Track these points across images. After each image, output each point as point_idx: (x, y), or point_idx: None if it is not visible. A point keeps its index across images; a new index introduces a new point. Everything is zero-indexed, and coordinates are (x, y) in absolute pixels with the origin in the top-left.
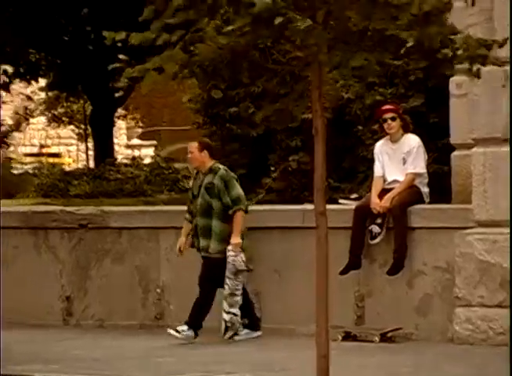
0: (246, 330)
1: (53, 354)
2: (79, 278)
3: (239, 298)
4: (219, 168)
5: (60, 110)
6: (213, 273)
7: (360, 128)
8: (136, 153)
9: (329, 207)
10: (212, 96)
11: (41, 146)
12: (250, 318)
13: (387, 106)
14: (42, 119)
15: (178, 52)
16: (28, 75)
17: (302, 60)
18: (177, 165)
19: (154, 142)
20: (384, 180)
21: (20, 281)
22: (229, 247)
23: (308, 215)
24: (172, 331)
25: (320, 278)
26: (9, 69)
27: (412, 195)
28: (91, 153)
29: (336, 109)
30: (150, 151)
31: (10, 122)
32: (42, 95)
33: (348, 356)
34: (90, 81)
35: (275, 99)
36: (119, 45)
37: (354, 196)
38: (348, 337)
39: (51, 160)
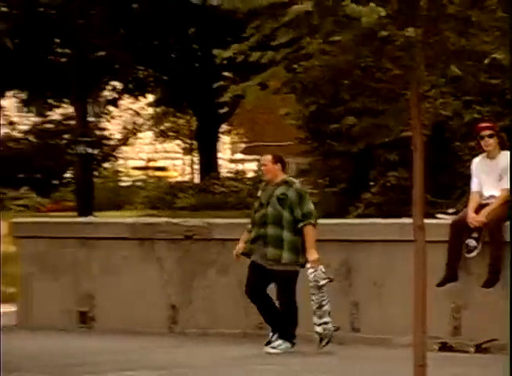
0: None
1: (160, 361)
2: (184, 288)
3: (327, 307)
4: (294, 182)
5: (167, 125)
6: (288, 286)
7: (458, 144)
8: (239, 167)
9: (427, 221)
10: (313, 113)
11: (148, 160)
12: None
13: (485, 124)
14: (149, 134)
15: (281, 70)
16: (136, 91)
17: (401, 78)
18: None
19: (257, 156)
20: (481, 195)
21: (128, 290)
22: (308, 265)
23: (406, 228)
24: (270, 349)
25: (418, 290)
26: (118, 85)
27: (507, 210)
28: (196, 166)
29: (434, 126)
30: (253, 165)
31: (119, 136)
32: (150, 110)
33: (444, 366)
34: (196, 98)
35: (374, 116)
36: (224, 62)
37: (451, 210)
38: (444, 347)
39: (157, 173)
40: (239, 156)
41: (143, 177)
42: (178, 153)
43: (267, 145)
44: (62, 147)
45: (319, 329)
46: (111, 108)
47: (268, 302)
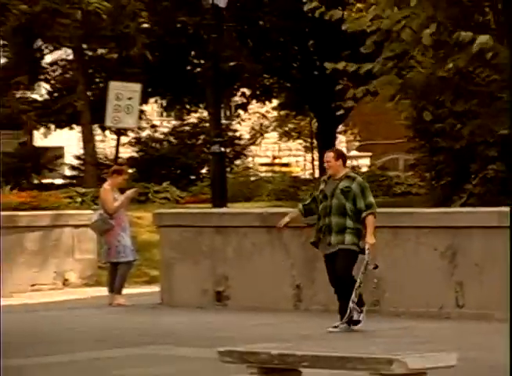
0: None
1: (287, 334)
2: (307, 270)
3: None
4: (356, 176)
5: (290, 126)
6: (351, 262)
7: None
8: (354, 162)
9: None
10: (421, 114)
11: (274, 157)
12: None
13: None
14: (275, 134)
15: (394, 78)
16: (263, 97)
17: (499, 82)
18: (390, 173)
19: (370, 153)
20: None
21: (258, 272)
22: (366, 246)
23: (504, 216)
24: (353, 327)
25: None
26: (247, 91)
27: None
28: (316, 163)
29: None
30: (366, 161)
31: (248, 137)
32: (275, 113)
33: None
34: (316, 102)
35: (475, 117)
36: (340, 70)
37: None
38: None
39: (282, 169)
40: (354, 153)
41: (269, 172)
42: (299, 150)
43: (378, 143)
44: (198, 147)
45: (351, 305)
46: (241, 112)
47: (350, 289)
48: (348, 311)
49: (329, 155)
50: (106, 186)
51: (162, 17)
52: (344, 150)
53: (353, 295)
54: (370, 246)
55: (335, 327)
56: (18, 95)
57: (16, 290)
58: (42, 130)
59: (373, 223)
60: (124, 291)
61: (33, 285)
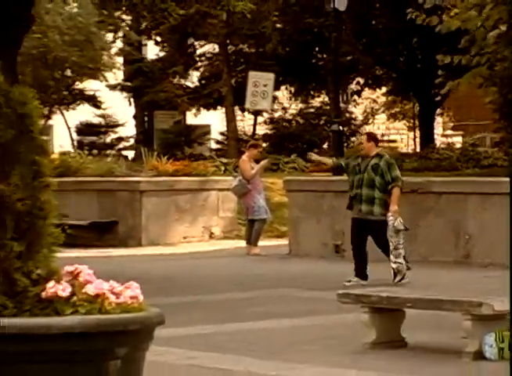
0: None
1: (387, 280)
2: (411, 227)
3: (401, 251)
4: (384, 154)
5: (396, 109)
6: (383, 231)
7: None
8: (449, 140)
9: None
10: (506, 99)
11: (382, 135)
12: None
13: None
14: (383, 116)
15: (483, 70)
16: (374, 85)
17: None
18: (479, 149)
19: (462, 132)
20: None
21: None
22: (389, 213)
23: None
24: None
25: None
26: (361, 80)
27: None
28: (417, 140)
29: None
30: (459, 139)
31: (361, 118)
32: (383, 98)
33: None
34: (418, 89)
35: None
36: (440, 63)
37: None
38: None
39: (389, 145)
40: (449, 132)
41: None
42: (404, 129)
43: (469, 124)
44: (320, 126)
45: (394, 266)
46: (356, 97)
47: (364, 252)
48: (393, 272)
49: (363, 138)
50: (245, 157)
51: (292, 19)
52: (441, 130)
53: (391, 257)
54: (393, 212)
55: (349, 281)
56: (174, 82)
57: (170, 241)
58: (193, 111)
59: (397, 194)
60: (259, 243)
61: (184, 238)
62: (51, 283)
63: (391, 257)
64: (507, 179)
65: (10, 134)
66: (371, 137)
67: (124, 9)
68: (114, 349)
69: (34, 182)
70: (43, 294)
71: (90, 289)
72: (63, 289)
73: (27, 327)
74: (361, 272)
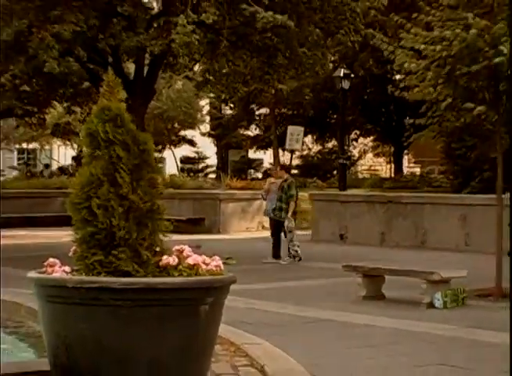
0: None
1: (375, 257)
2: (387, 227)
3: (295, 242)
4: (288, 179)
5: (379, 150)
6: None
7: None
8: (412, 170)
9: None
10: (449, 145)
11: (370, 166)
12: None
13: None
14: (371, 154)
15: (435, 127)
16: (365, 135)
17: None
18: (431, 175)
19: (420, 165)
20: None
21: (366, 224)
22: (286, 218)
23: None
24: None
25: None
26: (357, 132)
27: None
28: (392, 169)
29: None
30: (418, 169)
31: (357, 155)
32: (371, 143)
33: None
34: (393, 138)
35: (476, 148)
36: (406, 123)
37: None
38: None
39: (375, 172)
40: (412, 165)
41: None
42: (384, 163)
43: (425, 160)
44: (332, 160)
45: (292, 252)
46: (354, 142)
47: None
48: (292, 255)
49: (278, 168)
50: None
51: (316, 93)
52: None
53: (290, 246)
54: (288, 217)
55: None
56: (241, 132)
57: (237, 231)
58: (253, 150)
59: (291, 205)
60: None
61: (247, 228)
62: (165, 256)
63: (290, 246)
64: (448, 195)
65: (136, 162)
66: (283, 167)
67: (209, 87)
68: (204, 298)
69: (152, 191)
70: (160, 263)
71: (190, 260)
72: (173, 260)
73: (152, 283)
74: (276, 254)
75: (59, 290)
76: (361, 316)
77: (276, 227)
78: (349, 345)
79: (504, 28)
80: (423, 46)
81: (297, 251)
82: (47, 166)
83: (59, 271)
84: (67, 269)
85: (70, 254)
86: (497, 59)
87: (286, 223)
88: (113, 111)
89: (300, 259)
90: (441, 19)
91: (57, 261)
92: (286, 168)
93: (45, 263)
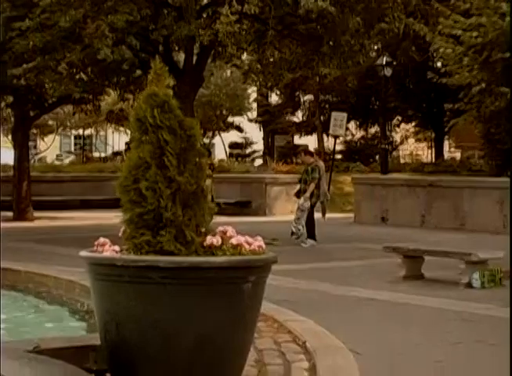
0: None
1: (417, 238)
2: (428, 209)
3: (301, 221)
4: (313, 163)
5: (420, 136)
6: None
7: None
8: (452, 155)
9: None
10: (488, 130)
11: (411, 152)
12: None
13: None
14: (412, 140)
15: (473, 112)
16: (407, 120)
17: None
18: (471, 160)
19: (460, 150)
20: None
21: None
22: (302, 197)
23: None
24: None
25: None
26: (399, 118)
27: None
28: (433, 154)
29: None
30: (459, 154)
31: (399, 141)
32: (412, 129)
33: None
34: (434, 123)
35: None
36: (446, 108)
37: None
38: None
39: (416, 157)
40: (452, 150)
41: None
42: (425, 148)
43: (465, 145)
44: (374, 145)
45: (293, 229)
46: (396, 128)
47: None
48: (291, 231)
49: (302, 154)
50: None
51: (359, 81)
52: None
53: (293, 223)
54: (304, 197)
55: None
56: (287, 118)
57: (282, 213)
58: (298, 135)
59: (311, 186)
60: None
61: (291, 211)
62: (209, 237)
63: (294, 223)
64: (487, 178)
65: (182, 146)
66: (307, 152)
67: (256, 75)
68: (247, 277)
69: (198, 174)
70: (204, 243)
71: (233, 241)
72: (216, 240)
73: (195, 262)
74: (310, 235)
75: (109, 268)
76: (401, 295)
77: None
78: (389, 323)
79: None
80: (460, 32)
81: (299, 230)
82: (116, 154)
83: (109, 250)
84: (117, 248)
85: (120, 234)
86: None
87: (301, 201)
88: (161, 97)
89: (298, 238)
90: (478, 8)
91: (107, 240)
92: (310, 153)
93: (96, 243)
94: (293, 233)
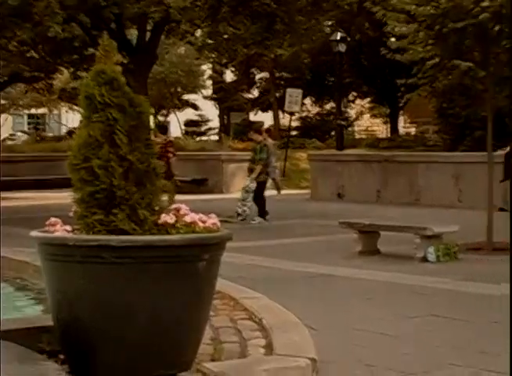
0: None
1: (372, 214)
2: (383, 183)
3: (247, 203)
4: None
5: (375, 111)
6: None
7: None
8: (407, 130)
9: None
10: (441, 105)
11: (367, 127)
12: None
13: None
14: (368, 115)
15: (427, 87)
16: (362, 96)
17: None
18: (425, 135)
19: (415, 125)
20: None
21: (361, 182)
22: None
23: None
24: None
25: None
26: (354, 93)
27: None
28: (388, 130)
29: None
30: (413, 129)
31: (354, 116)
32: (368, 105)
33: None
34: (389, 99)
35: (468, 106)
36: (399, 83)
37: None
38: None
39: (371, 133)
40: (407, 125)
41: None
42: (380, 123)
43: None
44: (330, 121)
45: (239, 210)
46: (351, 104)
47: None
48: (237, 213)
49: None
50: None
51: (314, 57)
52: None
53: (239, 204)
54: (250, 178)
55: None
56: (242, 95)
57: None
58: (253, 112)
59: (258, 167)
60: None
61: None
62: (163, 215)
63: (239, 204)
64: (441, 153)
65: (132, 124)
66: (257, 131)
67: (210, 50)
68: (202, 255)
69: (148, 151)
70: (158, 222)
71: (187, 218)
72: (170, 218)
73: (149, 240)
74: (261, 213)
75: (60, 248)
76: (356, 270)
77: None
78: (345, 298)
79: None
80: (413, 7)
81: (245, 211)
82: (70, 133)
83: (61, 230)
84: (68, 228)
85: (71, 213)
86: (481, 16)
87: (247, 182)
88: (109, 74)
89: (244, 219)
90: None
91: (58, 220)
92: (259, 131)
93: (47, 222)
94: (238, 215)
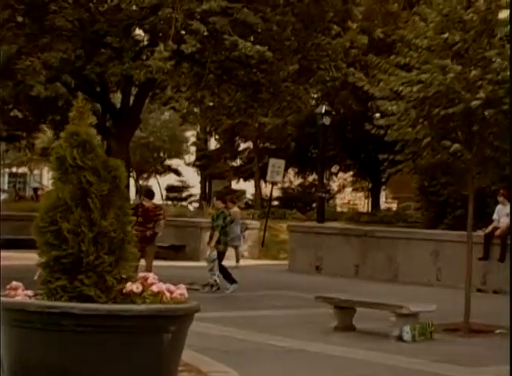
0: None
1: (350, 290)
2: (362, 259)
3: (215, 272)
4: (220, 208)
5: (358, 185)
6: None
7: None
8: (388, 205)
9: None
10: (423, 182)
11: (349, 201)
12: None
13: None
14: (350, 189)
15: (409, 163)
16: (345, 170)
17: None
18: (407, 211)
19: (397, 201)
20: None
21: (339, 256)
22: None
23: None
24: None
25: None
26: (337, 166)
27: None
28: (370, 204)
29: None
30: (395, 205)
31: (336, 189)
32: (350, 178)
33: None
34: (371, 174)
35: (451, 185)
36: (381, 159)
37: None
38: None
39: (353, 206)
40: (389, 200)
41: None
42: (361, 197)
43: (401, 196)
44: (312, 193)
45: (210, 281)
46: (334, 177)
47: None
48: (209, 284)
49: (214, 199)
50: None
51: (298, 129)
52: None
53: (209, 274)
54: (210, 247)
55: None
56: (225, 163)
57: None
58: (236, 181)
59: (215, 235)
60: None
61: None
62: (129, 283)
63: (209, 274)
64: (421, 230)
65: (107, 188)
66: (219, 198)
67: (194, 118)
68: (167, 326)
69: (123, 218)
70: (124, 290)
71: (154, 288)
72: (136, 287)
73: (114, 309)
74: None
75: (20, 314)
76: (331, 346)
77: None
78: (317, 375)
79: (479, 75)
80: (401, 87)
81: (215, 281)
82: (35, 190)
83: (22, 295)
84: (30, 293)
85: (35, 277)
86: (473, 103)
87: (208, 252)
88: (82, 136)
89: (218, 289)
90: (418, 62)
91: (20, 284)
92: (223, 199)
93: (8, 286)
94: (212, 286)
